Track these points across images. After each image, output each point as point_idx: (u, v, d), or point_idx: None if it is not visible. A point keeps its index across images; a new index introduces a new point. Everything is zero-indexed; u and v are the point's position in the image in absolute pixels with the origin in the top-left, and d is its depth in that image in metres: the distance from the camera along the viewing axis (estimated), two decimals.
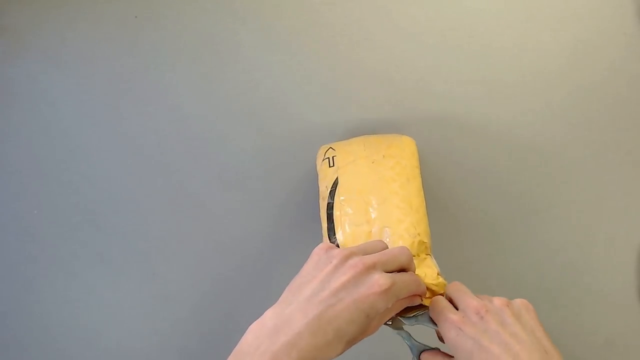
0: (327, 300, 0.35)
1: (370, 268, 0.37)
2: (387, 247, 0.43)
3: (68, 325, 0.59)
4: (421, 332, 0.43)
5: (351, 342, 0.36)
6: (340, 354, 0.35)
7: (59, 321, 0.59)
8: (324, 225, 0.50)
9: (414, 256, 0.45)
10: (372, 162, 0.50)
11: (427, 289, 0.44)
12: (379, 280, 0.36)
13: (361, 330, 0.36)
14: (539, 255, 0.58)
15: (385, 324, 0.43)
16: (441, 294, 0.44)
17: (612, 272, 0.58)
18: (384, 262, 0.38)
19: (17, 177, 0.60)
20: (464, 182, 0.59)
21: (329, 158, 0.52)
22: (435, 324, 0.41)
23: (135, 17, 0.61)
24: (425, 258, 0.47)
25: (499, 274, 0.59)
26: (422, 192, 0.51)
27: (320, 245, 0.40)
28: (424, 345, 0.44)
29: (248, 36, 0.60)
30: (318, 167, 0.54)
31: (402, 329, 0.44)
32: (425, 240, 0.47)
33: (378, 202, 0.48)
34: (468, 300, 0.39)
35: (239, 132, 0.60)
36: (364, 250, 0.39)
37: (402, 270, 0.40)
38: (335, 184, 0.50)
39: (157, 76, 0.60)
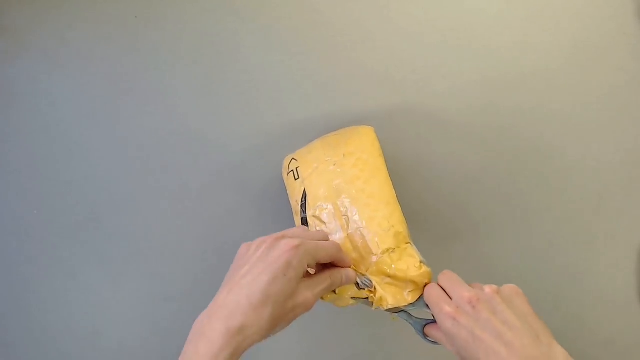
0: (249, 273, 0.39)
1: (281, 238, 0.40)
2: (327, 238, 0.46)
3: (68, 325, 0.59)
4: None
5: (280, 305, 0.38)
6: (277, 321, 0.38)
7: (59, 321, 0.59)
8: None
9: (395, 248, 0.46)
10: (334, 165, 0.50)
11: (411, 281, 0.45)
12: (289, 241, 0.39)
13: (285, 290, 0.38)
14: (539, 255, 0.58)
15: (388, 311, 0.46)
16: (427, 283, 0.45)
17: (612, 272, 0.58)
18: (313, 245, 0.41)
19: (17, 177, 0.60)
20: (464, 183, 0.59)
21: (293, 171, 0.52)
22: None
23: (135, 17, 0.61)
24: (405, 248, 0.47)
25: (499, 274, 0.59)
26: (390, 181, 0.50)
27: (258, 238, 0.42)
28: (424, 319, 0.46)
29: (248, 36, 0.60)
30: (285, 181, 0.54)
31: (402, 311, 0.46)
32: (400, 230, 0.47)
33: (347, 205, 0.48)
34: (460, 290, 0.41)
35: (239, 132, 0.60)
36: (295, 235, 0.42)
37: (333, 262, 0.44)
38: (304, 197, 0.50)
39: (157, 76, 0.60)
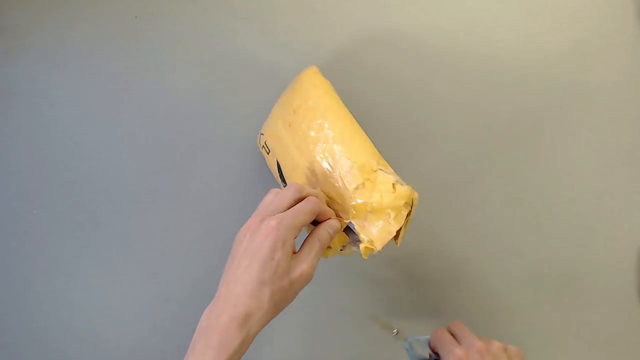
0: (240, 264, 0.40)
1: (260, 222, 0.41)
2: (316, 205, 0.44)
3: (68, 325, 0.59)
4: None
5: (278, 286, 0.40)
6: (279, 301, 0.40)
7: (58, 321, 0.59)
8: None
9: (364, 182, 0.45)
10: (289, 126, 0.49)
11: (390, 207, 0.44)
12: (267, 223, 0.40)
13: (277, 271, 0.40)
14: (539, 255, 0.58)
15: (394, 336, 0.49)
16: (407, 203, 0.45)
17: (612, 272, 0.58)
18: (290, 217, 0.41)
19: (17, 177, 0.60)
20: (463, 185, 0.59)
21: (264, 146, 0.53)
22: (436, 354, 0.46)
23: (135, 17, 0.61)
24: (375, 176, 0.45)
25: (499, 274, 0.59)
26: (342, 113, 0.49)
27: (242, 228, 0.43)
28: (424, 356, 0.48)
29: (248, 36, 0.60)
30: (265, 158, 0.54)
31: (405, 339, 0.48)
32: (362, 161, 0.45)
33: (311, 161, 0.47)
34: (472, 339, 0.44)
35: (239, 132, 0.60)
36: (274, 211, 0.42)
37: (318, 217, 0.44)
38: (280, 169, 0.51)
39: (157, 76, 0.60)
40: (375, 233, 0.44)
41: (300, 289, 0.42)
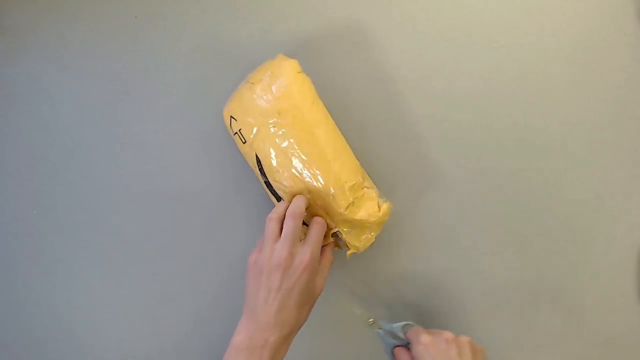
0: (277, 299, 0.46)
1: (290, 257, 0.47)
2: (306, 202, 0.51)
3: (68, 325, 0.59)
4: None
5: (311, 302, 0.49)
6: (309, 312, 0.49)
7: (59, 321, 0.59)
8: (273, 198, 0.54)
9: (353, 200, 0.50)
10: (274, 127, 0.51)
11: (375, 223, 0.51)
12: (301, 259, 0.47)
13: (313, 288, 0.48)
14: (539, 255, 0.58)
15: (369, 325, 0.57)
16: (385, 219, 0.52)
17: (612, 272, 0.58)
18: (295, 236, 0.48)
19: (17, 177, 0.60)
20: (463, 184, 0.59)
21: (237, 133, 0.53)
22: (406, 339, 0.53)
23: (135, 17, 0.61)
24: (362, 194, 0.51)
25: (498, 273, 0.59)
26: (335, 130, 0.53)
27: (250, 257, 0.49)
28: (395, 343, 0.54)
29: (248, 36, 0.60)
30: (238, 145, 0.55)
31: (380, 327, 0.56)
32: (354, 182, 0.51)
33: (300, 168, 0.50)
34: (443, 332, 0.50)
35: None
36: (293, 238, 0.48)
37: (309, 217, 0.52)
38: (259, 162, 0.52)
39: (157, 76, 0.60)
40: (361, 241, 0.52)
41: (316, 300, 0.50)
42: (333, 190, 0.50)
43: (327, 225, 0.52)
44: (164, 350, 0.59)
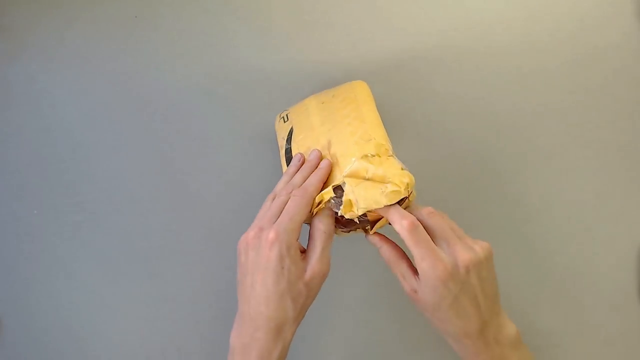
0: (254, 282, 0.41)
1: (259, 234, 0.41)
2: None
3: (68, 325, 0.59)
4: None
5: (296, 291, 0.40)
6: (301, 304, 0.41)
7: (59, 321, 0.59)
8: (285, 169, 0.51)
9: (375, 155, 0.44)
10: (322, 103, 0.51)
11: (391, 181, 0.43)
12: (267, 235, 0.40)
13: (291, 279, 0.40)
14: (539, 255, 0.58)
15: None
16: (409, 190, 0.43)
17: (612, 272, 0.58)
18: (287, 221, 0.41)
19: (17, 177, 0.60)
20: (462, 184, 0.59)
21: (283, 117, 0.54)
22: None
23: (135, 17, 0.61)
24: (387, 158, 0.44)
25: (498, 273, 0.59)
26: (379, 118, 0.49)
27: (241, 239, 0.43)
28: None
29: (248, 36, 0.60)
30: (276, 129, 0.55)
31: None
32: (383, 143, 0.45)
33: (329, 128, 0.48)
34: (460, 250, 0.40)
35: (239, 132, 0.60)
36: (271, 218, 0.42)
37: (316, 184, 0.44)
38: (290, 133, 0.51)
39: (157, 76, 0.60)
40: (363, 195, 0.43)
41: (320, 285, 0.42)
42: (356, 140, 0.45)
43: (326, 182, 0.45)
44: (164, 350, 0.59)
